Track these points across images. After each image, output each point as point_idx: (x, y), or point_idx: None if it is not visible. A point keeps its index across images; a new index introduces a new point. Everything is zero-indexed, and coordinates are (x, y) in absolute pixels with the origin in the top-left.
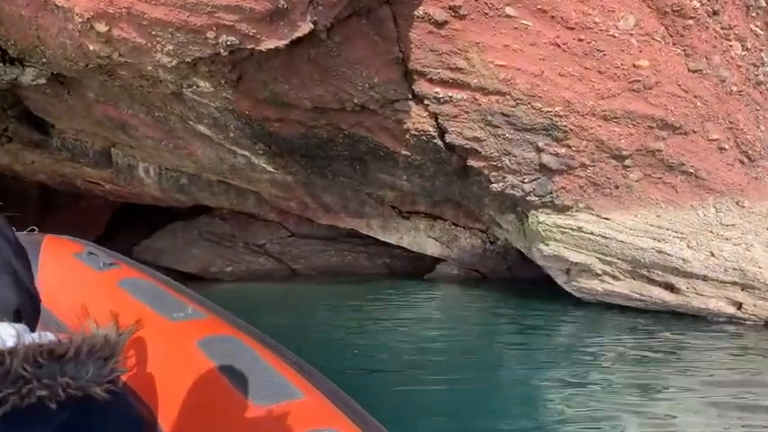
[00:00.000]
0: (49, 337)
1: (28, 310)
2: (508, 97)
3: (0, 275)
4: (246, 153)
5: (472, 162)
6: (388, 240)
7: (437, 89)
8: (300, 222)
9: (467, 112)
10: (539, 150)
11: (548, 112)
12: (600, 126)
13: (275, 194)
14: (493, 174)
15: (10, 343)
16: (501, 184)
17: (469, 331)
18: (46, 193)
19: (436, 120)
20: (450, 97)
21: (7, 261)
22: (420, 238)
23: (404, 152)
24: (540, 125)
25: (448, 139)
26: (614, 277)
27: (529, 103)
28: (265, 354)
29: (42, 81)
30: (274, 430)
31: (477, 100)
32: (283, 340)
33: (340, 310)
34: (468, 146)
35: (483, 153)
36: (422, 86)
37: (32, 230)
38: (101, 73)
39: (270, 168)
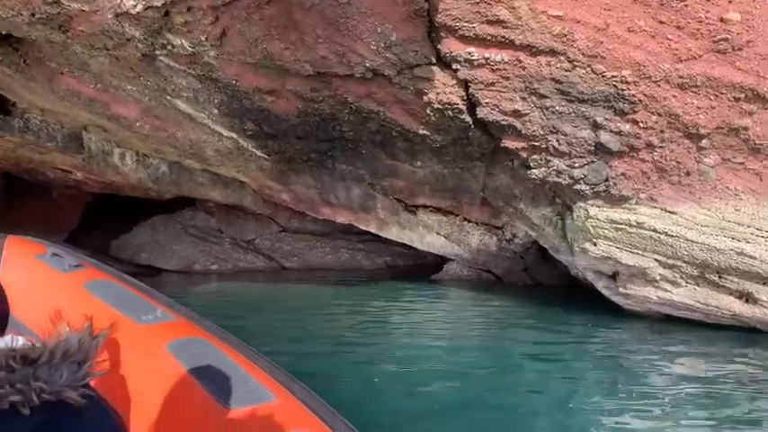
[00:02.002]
0: (21, 341)
1: None
2: (562, 58)
3: None
4: (233, 135)
5: (508, 143)
6: (390, 237)
7: (470, 49)
8: (292, 216)
9: (507, 79)
10: (596, 127)
11: (612, 77)
12: (675, 96)
13: (266, 185)
14: (533, 157)
15: None
16: (543, 169)
17: (486, 344)
18: (11, 183)
19: (466, 89)
20: (487, 59)
21: None
22: (427, 235)
23: (421, 131)
24: (600, 95)
25: (479, 113)
26: (674, 283)
27: (588, 66)
28: (236, 356)
29: None
30: None
31: (521, 62)
32: (270, 348)
33: (336, 315)
34: (504, 122)
35: (523, 131)
36: (450, 46)
37: None
38: (55, 30)
39: (260, 153)
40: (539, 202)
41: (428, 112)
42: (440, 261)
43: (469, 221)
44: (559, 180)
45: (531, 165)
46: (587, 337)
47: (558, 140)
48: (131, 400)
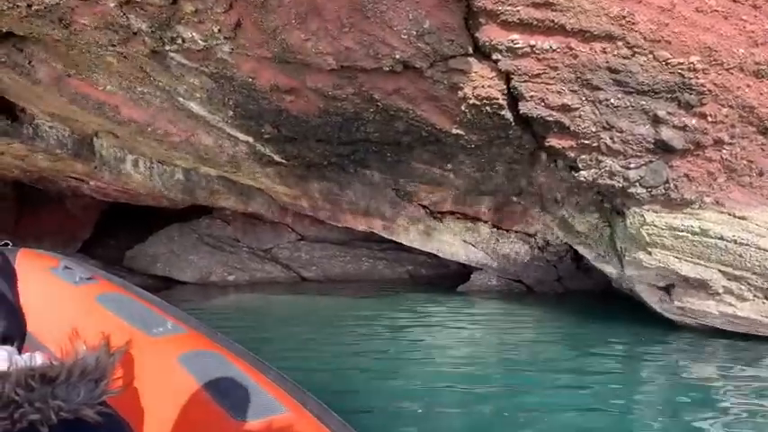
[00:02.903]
0: (38, 359)
1: (14, 334)
2: (620, 44)
3: None
4: (250, 139)
5: (553, 141)
6: (414, 246)
7: (513, 36)
8: (311, 224)
9: (555, 69)
10: (657, 122)
11: (678, 65)
12: (749, 86)
13: (283, 192)
14: (582, 157)
15: (2, 366)
16: (593, 171)
17: (526, 360)
18: (23, 193)
19: (508, 81)
20: (533, 47)
21: None
22: (454, 244)
23: (455, 131)
24: (663, 85)
25: (522, 109)
26: (740, 297)
27: (651, 53)
28: (247, 369)
29: None
30: None
31: (572, 50)
32: (289, 363)
33: (358, 329)
34: (551, 118)
35: (572, 128)
36: (490, 33)
37: (6, 245)
38: (55, 24)
39: (278, 158)
40: (584, 208)
41: (463, 108)
42: (464, 271)
43: (499, 229)
44: (612, 183)
45: (580, 166)
46: (638, 350)
47: (611, 138)
48: (144, 412)
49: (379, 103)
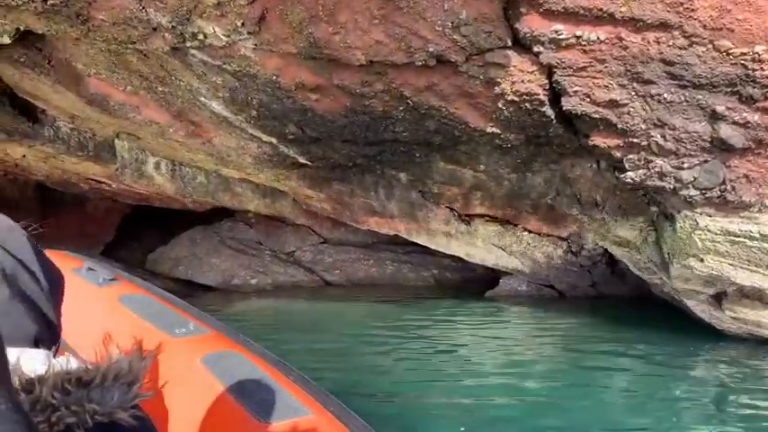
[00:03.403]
0: (73, 363)
1: (46, 339)
2: (677, 33)
3: (16, 304)
4: (273, 140)
5: (598, 140)
6: (441, 249)
7: (557, 26)
8: (334, 227)
9: (602, 62)
10: (714, 118)
11: (741, 55)
12: None
13: (306, 194)
14: (630, 157)
15: (40, 370)
16: (641, 172)
17: (564, 371)
18: (45, 196)
19: (549, 76)
20: (578, 38)
21: (24, 290)
22: (482, 247)
23: (490, 129)
24: (723, 78)
25: (565, 105)
26: None
27: (710, 42)
28: (270, 370)
29: (7, 41)
30: None
31: (622, 40)
32: (315, 375)
33: (385, 337)
34: (596, 115)
35: (619, 125)
36: (532, 24)
37: (28, 226)
38: (72, 20)
39: (302, 160)
40: (627, 211)
41: (500, 105)
42: (492, 275)
43: (530, 232)
44: (662, 184)
45: (627, 166)
46: (684, 361)
47: (663, 136)
48: (167, 413)
49: (409, 101)
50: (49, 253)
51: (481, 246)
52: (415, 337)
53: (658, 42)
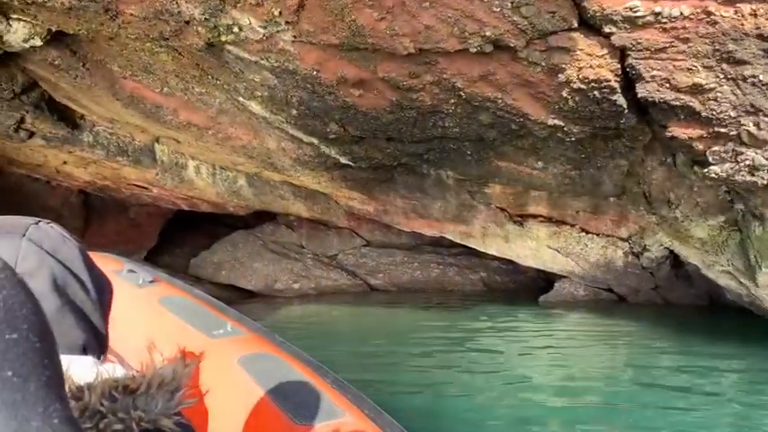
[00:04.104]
0: (119, 370)
1: (94, 347)
2: None
3: (66, 313)
4: (314, 140)
5: (677, 131)
6: (492, 252)
7: (633, 2)
8: (376, 229)
9: (686, 41)
10: None
11: None
12: None
13: (348, 196)
14: (715, 149)
15: (89, 377)
16: (728, 165)
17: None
18: (87, 202)
19: (622, 59)
20: (657, 15)
21: (73, 300)
22: (537, 249)
23: (552, 122)
24: None
25: (640, 92)
26: None
27: None
28: (306, 372)
29: (39, 43)
30: None
31: (710, 15)
32: (356, 383)
33: (433, 344)
34: (677, 102)
35: (704, 113)
36: (602, 1)
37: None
38: (101, 16)
39: (344, 161)
40: (705, 210)
41: (564, 95)
42: (543, 277)
43: (588, 233)
44: (753, 179)
45: (711, 159)
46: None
47: (757, 124)
48: (206, 413)
49: (461, 93)
50: (91, 255)
51: (535, 248)
52: (461, 346)
53: (755, 15)
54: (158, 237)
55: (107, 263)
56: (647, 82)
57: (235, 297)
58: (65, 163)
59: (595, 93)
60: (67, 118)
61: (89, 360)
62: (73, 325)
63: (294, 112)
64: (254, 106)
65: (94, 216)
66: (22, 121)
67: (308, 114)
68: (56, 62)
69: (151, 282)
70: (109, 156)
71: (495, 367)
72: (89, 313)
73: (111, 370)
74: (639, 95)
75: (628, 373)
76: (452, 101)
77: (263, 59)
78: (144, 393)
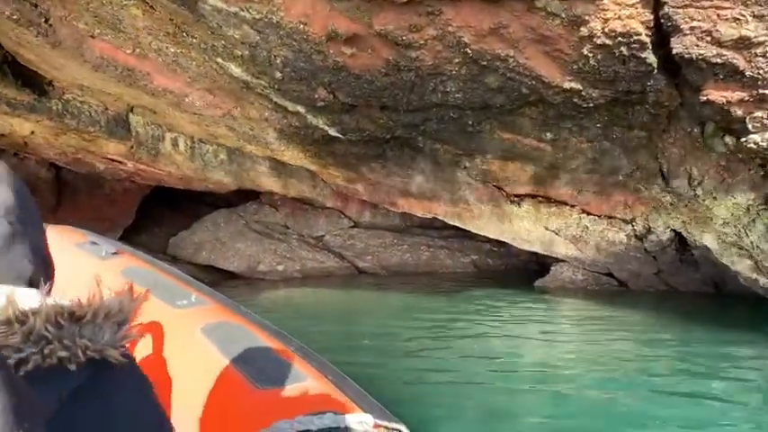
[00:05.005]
0: (65, 301)
1: (41, 278)
2: None
3: (14, 244)
4: (300, 109)
5: (713, 94)
6: (487, 234)
7: None
8: (364, 209)
9: None
10: None
11: None
12: None
13: (336, 174)
14: (756, 114)
15: (33, 304)
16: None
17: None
18: (59, 176)
19: (656, 9)
20: None
21: (20, 230)
22: (533, 231)
23: (568, 85)
24: None
25: (676, 47)
26: None
27: None
28: (269, 339)
29: None
30: (278, 413)
31: None
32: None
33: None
34: (718, 59)
35: (748, 72)
36: None
37: None
38: None
39: (333, 132)
40: (733, 187)
41: (585, 52)
42: (537, 260)
43: (589, 214)
44: None
45: (750, 127)
46: None
47: None
48: (169, 381)
49: (468, 50)
50: (52, 228)
51: (532, 229)
52: (450, 332)
53: None
54: (135, 214)
55: (69, 235)
56: (685, 35)
57: (216, 279)
58: (32, 133)
59: (622, 49)
60: (35, 84)
61: (33, 292)
62: (22, 255)
63: (278, 74)
64: (234, 68)
65: (67, 191)
66: None
67: (293, 77)
68: (14, 16)
69: (114, 253)
70: (80, 126)
71: (486, 352)
72: (38, 246)
73: (58, 300)
74: (674, 51)
75: (631, 365)
76: (457, 60)
77: (242, 11)
78: (90, 322)
